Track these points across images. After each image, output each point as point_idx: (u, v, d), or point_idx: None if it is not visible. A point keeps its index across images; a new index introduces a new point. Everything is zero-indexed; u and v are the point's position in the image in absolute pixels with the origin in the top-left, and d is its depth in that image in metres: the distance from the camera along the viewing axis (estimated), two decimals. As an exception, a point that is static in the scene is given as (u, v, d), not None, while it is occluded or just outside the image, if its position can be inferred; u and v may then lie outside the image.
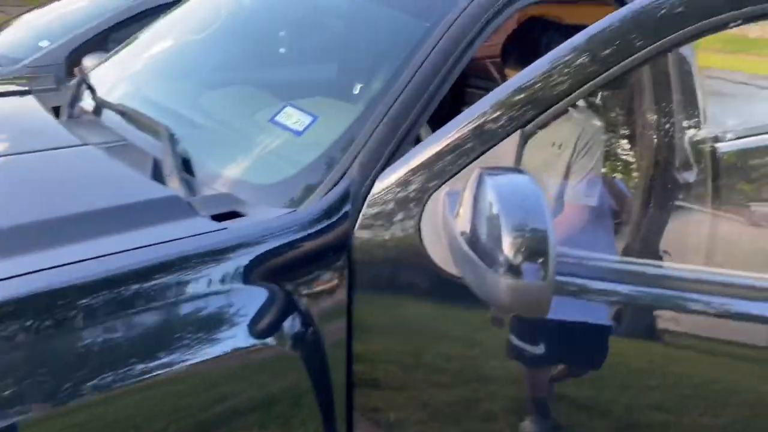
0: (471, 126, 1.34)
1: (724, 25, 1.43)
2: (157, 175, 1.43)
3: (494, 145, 1.32)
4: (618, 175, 2.29)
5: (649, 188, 2.07)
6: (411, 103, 1.46)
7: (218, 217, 1.32)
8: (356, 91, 1.55)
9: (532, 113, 1.30)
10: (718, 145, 2.28)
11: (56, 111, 1.88)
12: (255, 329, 1.26)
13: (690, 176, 2.18)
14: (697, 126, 2.21)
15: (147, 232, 1.22)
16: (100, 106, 1.86)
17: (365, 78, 1.61)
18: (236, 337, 1.24)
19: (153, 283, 1.17)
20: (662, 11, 1.39)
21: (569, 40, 1.40)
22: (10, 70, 3.64)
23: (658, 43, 1.38)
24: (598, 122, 2.22)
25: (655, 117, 2.13)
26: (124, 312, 1.12)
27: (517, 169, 1.18)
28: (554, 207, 2.02)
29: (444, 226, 1.29)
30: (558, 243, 1.89)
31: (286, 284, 1.30)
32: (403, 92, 1.47)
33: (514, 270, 0.99)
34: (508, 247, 0.99)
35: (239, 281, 1.25)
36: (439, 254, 1.32)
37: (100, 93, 1.97)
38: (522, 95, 1.31)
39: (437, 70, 1.51)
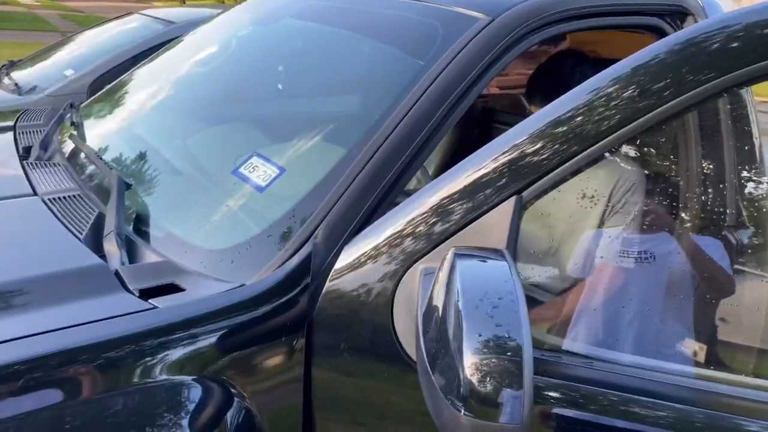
0: (459, 186, 1.09)
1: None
2: (96, 234, 1.24)
3: (486, 212, 1.07)
4: (660, 233, 1.97)
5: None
6: (395, 155, 1.23)
7: (152, 292, 1.11)
8: (330, 138, 1.33)
9: (530, 175, 1.04)
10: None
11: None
12: (193, 430, 1.04)
13: (744, 236, 1.85)
14: (753, 176, 1.89)
15: (56, 311, 1.02)
16: (75, 146, 1.71)
17: (347, 122, 1.39)
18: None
19: (54, 376, 0.96)
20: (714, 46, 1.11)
21: (607, 70, 1.14)
22: (33, 99, 3.61)
23: (719, 80, 1.09)
24: (637, 170, 1.92)
25: (704, 165, 1.82)
26: (10, 411, 0.91)
27: (497, 251, 0.92)
28: (584, 270, 1.73)
29: (415, 311, 1.04)
30: (583, 312, 1.63)
31: (227, 376, 1.08)
32: (386, 142, 1.24)
33: (477, 404, 0.73)
34: (470, 369, 0.73)
35: (170, 373, 1.03)
36: (412, 343, 1.07)
37: (84, 131, 1.82)
38: (518, 152, 1.05)
39: (429, 116, 1.27)
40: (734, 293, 1.69)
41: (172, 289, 1.12)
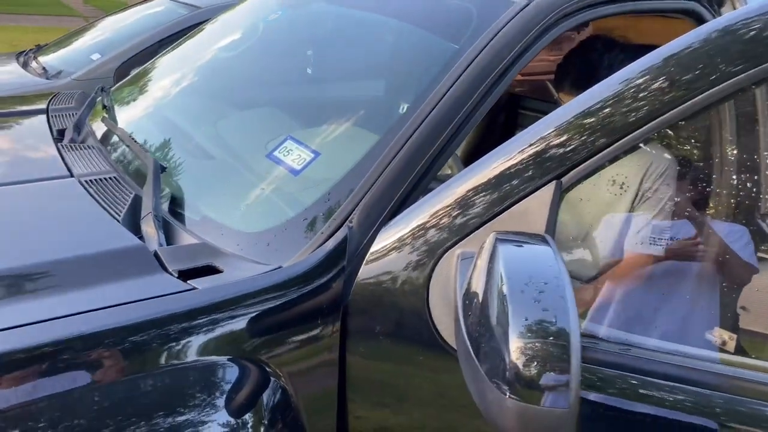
0: (497, 171, 1.08)
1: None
2: (133, 216, 1.25)
3: (524, 197, 1.06)
4: (690, 221, 1.95)
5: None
6: (429, 139, 1.22)
7: (190, 273, 1.12)
8: (366, 124, 1.32)
9: (569, 161, 1.03)
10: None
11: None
12: (228, 410, 1.05)
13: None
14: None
15: (96, 291, 1.04)
16: (108, 129, 1.72)
17: (381, 107, 1.38)
18: (203, 424, 1.03)
19: (95, 355, 0.97)
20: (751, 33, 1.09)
21: (639, 60, 1.13)
22: (60, 83, 3.64)
23: (751, 72, 1.07)
24: (669, 157, 1.89)
25: (738, 154, 1.79)
26: (52, 389, 0.93)
27: (539, 236, 0.91)
28: (612, 259, 1.71)
29: (453, 295, 1.04)
30: (612, 299, 1.62)
31: (264, 357, 1.09)
32: (421, 126, 1.23)
33: (523, 388, 0.73)
34: (515, 353, 0.73)
35: (206, 354, 1.05)
36: (449, 328, 1.07)
37: (115, 114, 1.84)
38: (562, 137, 1.04)
39: (465, 100, 1.26)
40: (749, 282, 1.68)
41: (210, 270, 1.14)
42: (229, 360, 1.07)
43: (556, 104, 3.03)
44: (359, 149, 1.25)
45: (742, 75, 1.06)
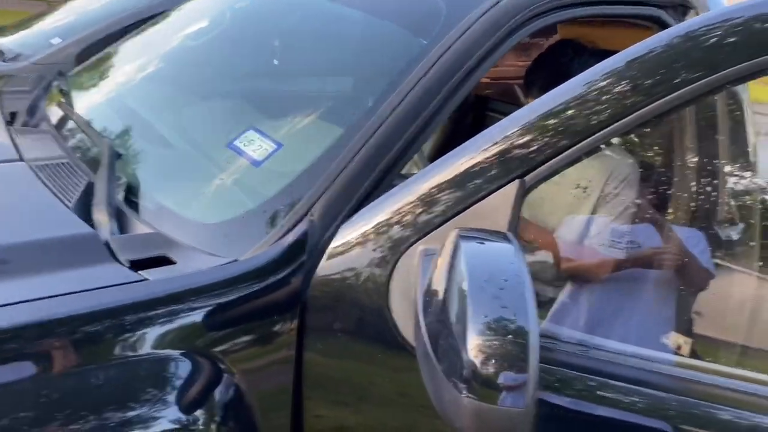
0: (461, 168, 1.07)
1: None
2: (85, 203, 1.20)
3: (487, 195, 1.05)
4: (650, 226, 1.98)
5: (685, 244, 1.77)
6: (395, 135, 1.20)
7: (142, 264, 1.08)
8: (331, 115, 1.30)
9: (536, 157, 1.03)
10: (768, 197, 1.95)
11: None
12: (179, 406, 1.02)
13: (733, 233, 1.86)
14: (744, 174, 1.90)
15: (43, 279, 0.99)
16: (64, 113, 1.66)
17: (346, 101, 1.36)
18: (154, 420, 0.99)
19: (40, 346, 0.93)
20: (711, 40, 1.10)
21: (603, 62, 1.13)
22: (18, 66, 3.51)
23: (711, 78, 1.08)
24: (631, 162, 1.91)
25: (696, 161, 1.82)
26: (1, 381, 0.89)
27: (502, 234, 0.90)
28: (573, 260, 1.73)
29: (414, 294, 1.02)
30: (572, 299, 1.63)
31: (217, 352, 1.06)
32: (387, 121, 1.21)
33: (480, 386, 0.72)
34: (473, 350, 0.72)
35: (157, 347, 1.01)
36: (409, 325, 1.06)
37: (72, 99, 1.77)
38: (527, 136, 1.04)
39: (432, 96, 1.25)
40: (707, 288, 1.71)
41: (163, 261, 1.10)
42: (180, 354, 1.04)
43: (521, 107, 3.06)
44: (323, 142, 1.23)
45: (702, 81, 1.07)
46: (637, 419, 1.10)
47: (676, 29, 1.13)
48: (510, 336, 0.72)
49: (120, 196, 1.24)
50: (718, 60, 1.07)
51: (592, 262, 1.74)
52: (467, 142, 1.11)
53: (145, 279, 1.03)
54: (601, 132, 1.07)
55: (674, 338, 1.70)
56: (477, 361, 0.71)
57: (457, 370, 0.73)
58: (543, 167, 1.04)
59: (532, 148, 1.04)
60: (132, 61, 1.88)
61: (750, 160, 1.88)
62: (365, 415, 1.17)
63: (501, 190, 1.03)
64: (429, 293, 0.91)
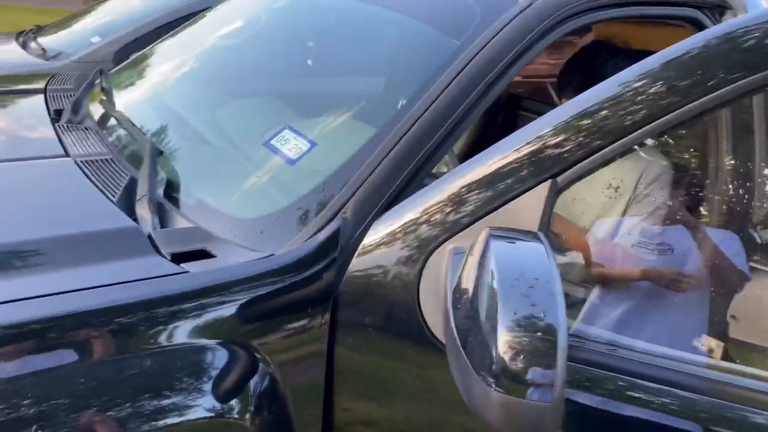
0: (493, 168, 1.09)
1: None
2: (128, 198, 1.25)
3: (518, 195, 1.06)
4: (683, 227, 1.96)
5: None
6: (427, 134, 1.23)
7: (183, 257, 1.12)
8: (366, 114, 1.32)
9: (565, 161, 1.04)
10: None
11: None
12: (215, 394, 1.05)
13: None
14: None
15: (89, 270, 1.04)
16: (106, 111, 1.72)
17: (379, 101, 1.38)
18: (189, 408, 1.03)
19: (84, 334, 0.97)
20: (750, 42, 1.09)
21: (638, 64, 1.13)
22: (59, 65, 3.62)
23: (748, 80, 1.07)
24: (664, 163, 1.90)
25: (733, 162, 1.80)
26: (39, 365, 0.93)
27: (532, 233, 0.92)
28: (604, 260, 1.72)
29: (443, 290, 1.04)
30: (603, 300, 1.62)
31: (253, 343, 1.09)
32: (419, 121, 1.23)
33: (509, 381, 0.73)
34: (503, 346, 0.74)
35: (196, 337, 1.05)
36: (438, 323, 1.08)
37: (113, 97, 1.83)
38: (559, 136, 1.05)
39: (463, 97, 1.27)
40: (742, 291, 1.68)
41: (203, 254, 1.14)
42: (218, 344, 1.08)
43: (554, 106, 3.04)
44: (356, 142, 1.26)
45: (740, 83, 1.07)
46: (667, 420, 1.11)
47: (714, 31, 1.13)
48: (539, 333, 0.73)
49: (161, 191, 1.29)
50: (756, 62, 1.07)
51: (623, 262, 1.74)
52: (499, 143, 1.12)
53: (186, 271, 1.07)
54: (635, 133, 1.08)
55: (706, 341, 1.69)
56: (506, 357, 0.73)
57: (487, 365, 0.75)
58: (575, 167, 1.05)
59: (564, 149, 1.05)
60: (170, 60, 1.94)
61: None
62: (393, 410, 1.20)
63: (532, 190, 1.05)
64: (459, 291, 0.93)
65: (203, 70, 1.78)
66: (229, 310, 1.07)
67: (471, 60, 1.30)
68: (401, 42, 1.54)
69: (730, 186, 1.79)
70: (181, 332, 1.04)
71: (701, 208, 1.87)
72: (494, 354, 0.74)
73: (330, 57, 1.65)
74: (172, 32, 2.16)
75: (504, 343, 0.74)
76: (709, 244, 1.76)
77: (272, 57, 1.74)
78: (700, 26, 1.67)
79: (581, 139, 1.05)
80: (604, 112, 1.07)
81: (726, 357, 1.58)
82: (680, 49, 1.11)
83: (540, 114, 2.88)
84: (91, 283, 1.01)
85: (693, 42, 1.12)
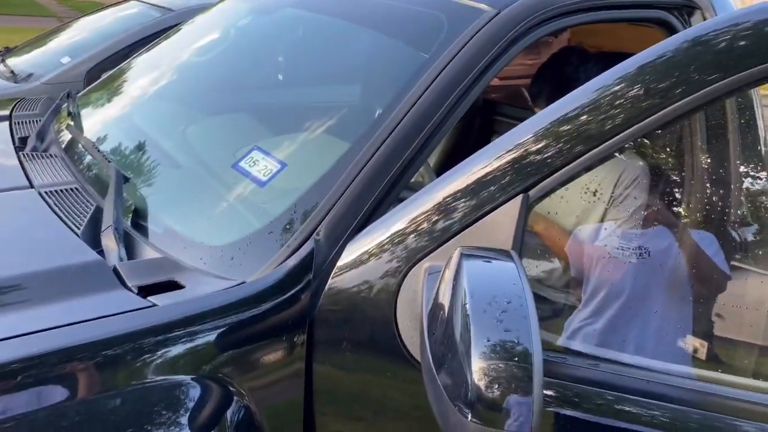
0: (464, 183, 1.07)
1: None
2: (94, 229, 1.21)
3: (490, 211, 1.04)
4: (662, 228, 1.96)
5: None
6: (398, 151, 1.20)
7: (151, 289, 1.09)
8: (334, 134, 1.30)
9: (538, 173, 1.02)
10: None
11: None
12: (191, 428, 1.02)
13: (748, 234, 1.83)
14: (757, 173, 1.87)
15: (52, 309, 1.00)
16: (72, 137, 1.68)
17: (349, 117, 1.36)
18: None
19: (52, 375, 0.94)
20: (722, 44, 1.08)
21: (613, 69, 1.12)
22: (29, 87, 3.57)
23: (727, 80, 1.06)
24: (641, 164, 1.89)
25: (709, 161, 1.80)
26: (8, 411, 0.89)
27: (504, 252, 0.90)
28: (585, 267, 1.71)
29: (420, 312, 1.02)
30: (583, 310, 1.61)
31: (227, 375, 1.06)
32: (390, 137, 1.21)
33: (485, 410, 0.71)
34: (478, 374, 0.71)
35: (167, 373, 1.01)
36: (416, 343, 1.05)
37: (80, 121, 1.79)
38: (523, 151, 1.03)
39: (435, 110, 1.25)
40: (725, 290, 1.68)
41: (172, 286, 1.10)
42: (191, 379, 1.04)
43: (531, 111, 3.04)
44: (327, 160, 1.23)
45: (714, 85, 1.06)
46: None
47: (685, 34, 1.12)
48: (515, 359, 0.71)
49: (127, 220, 1.25)
50: (731, 63, 1.06)
51: (604, 269, 1.73)
52: (471, 156, 1.10)
53: (154, 305, 1.04)
54: (615, 138, 1.06)
55: (691, 341, 1.68)
56: (481, 384, 0.71)
57: (462, 394, 0.73)
58: (547, 180, 1.03)
59: (531, 162, 1.03)
60: (137, 80, 1.90)
61: (763, 160, 1.85)
62: (380, 429, 1.17)
63: (504, 205, 1.03)
64: (434, 312, 0.90)
65: (171, 90, 1.75)
66: (200, 342, 1.04)
67: (440, 72, 1.28)
68: (370, 57, 1.51)
69: (707, 185, 1.79)
70: (153, 369, 1.01)
71: (679, 209, 1.86)
72: (469, 381, 0.72)
73: (298, 74, 1.62)
74: (140, 51, 2.12)
75: (478, 370, 0.71)
76: (688, 244, 1.75)
77: (241, 74, 1.71)
78: (669, 27, 1.67)
79: (553, 151, 1.03)
80: (583, 117, 1.05)
81: (711, 357, 1.58)
82: (653, 53, 1.10)
83: (516, 118, 2.87)
84: (52, 323, 0.97)
85: (666, 45, 1.11)
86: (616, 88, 1.07)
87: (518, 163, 1.02)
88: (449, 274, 0.90)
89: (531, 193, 1.03)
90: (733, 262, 1.76)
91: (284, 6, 1.84)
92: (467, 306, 0.76)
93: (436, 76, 1.28)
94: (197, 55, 1.90)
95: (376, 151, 1.19)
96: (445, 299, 0.88)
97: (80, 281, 1.05)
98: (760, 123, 1.79)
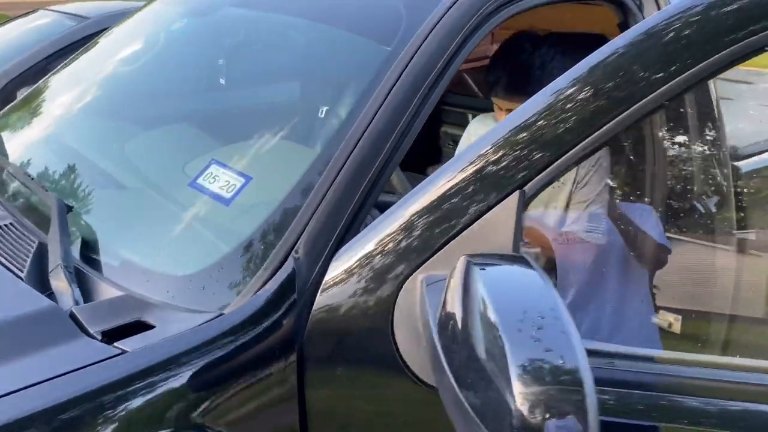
0: (451, 183, 0.99)
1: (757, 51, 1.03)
2: (40, 269, 1.07)
3: (488, 210, 0.97)
4: (626, 206, 1.95)
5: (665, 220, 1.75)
6: (373, 153, 1.11)
7: (116, 333, 0.96)
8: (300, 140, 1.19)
9: (532, 167, 0.96)
10: (740, 164, 1.95)
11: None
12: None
13: (711, 204, 1.85)
14: (715, 145, 1.89)
15: (3, 370, 0.86)
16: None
17: (313, 121, 1.26)
18: None
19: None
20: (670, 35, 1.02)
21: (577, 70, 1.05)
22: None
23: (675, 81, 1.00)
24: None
25: (669, 137, 1.80)
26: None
27: (517, 257, 0.83)
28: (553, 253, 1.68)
29: (423, 325, 0.94)
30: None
31: (209, 421, 0.95)
32: (362, 139, 1.12)
33: (532, 439, 0.63)
34: (520, 398, 0.64)
35: (146, 427, 0.90)
36: (419, 360, 0.98)
37: (3, 146, 1.61)
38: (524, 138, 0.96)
39: (407, 104, 1.16)
40: (666, 263, 1.69)
41: (139, 327, 0.98)
42: None
43: (477, 97, 2.99)
44: (296, 169, 1.13)
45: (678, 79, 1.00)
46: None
47: (636, 29, 1.06)
48: (562, 383, 0.64)
49: (77, 255, 1.11)
50: (682, 57, 1.00)
51: (572, 252, 1.71)
52: (450, 161, 1.03)
53: (123, 351, 0.92)
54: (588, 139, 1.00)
55: (663, 316, 1.68)
56: (524, 410, 0.64)
57: (501, 419, 0.66)
58: (541, 174, 0.97)
59: (527, 157, 0.97)
60: (64, 96, 1.72)
61: (718, 130, 1.87)
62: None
63: (500, 204, 0.96)
64: (443, 326, 0.82)
65: (105, 104, 1.58)
66: (178, 387, 0.92)
67: (407, 65, 1.19)
68: (328, 53, 1.41)
69: (669, 159, 1.80)
70: (129, 425, 0.89)
71: (638, 188, 1.86)
72: (512, 408, 0.64)
73: (251, 76, 1.50)
74: (63, 63, 1.93)
75: (520, 394, 0.64)
76: (626, 222, 1.75)
77: (184, 81, 1.57)
78: (620, 5, 1.65)
79: (543, 146, 0.97)
80: (541, 122, 0.98)
81: (686, 329, 1.57)
82: (605, 51, 1.04)
83: (464, 106, 2.78)
84: (9, 386, 0.83)
85: (617, 43, 1.05)
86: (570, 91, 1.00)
87: (513, 159, 0.95)
88: (456, 284, 0.83)
89: (527, 188, 0.96)
90: (686, 237, 1.78)
91: (222, 6, 1.71)
92: (497, 325, 0.69)
93: (403, 70, 1.19)
94: (129, 63, 1.74)
95: (350, 154, 1.10)
96: (456, 311, 0.80)
97: (32, 333, 0.91)
98: (715, 107, 1.79)
